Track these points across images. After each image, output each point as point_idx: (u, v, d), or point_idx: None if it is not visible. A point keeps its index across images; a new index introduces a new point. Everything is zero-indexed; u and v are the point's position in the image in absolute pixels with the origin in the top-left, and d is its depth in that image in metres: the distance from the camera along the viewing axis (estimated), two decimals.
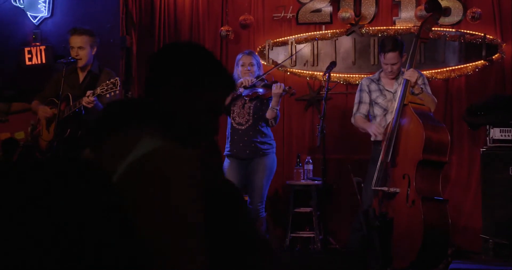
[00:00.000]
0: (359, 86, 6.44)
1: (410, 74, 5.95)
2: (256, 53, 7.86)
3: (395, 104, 6.03)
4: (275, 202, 7.82)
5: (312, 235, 7.43)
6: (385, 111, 6.25)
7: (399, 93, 5.99)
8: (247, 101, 6.45)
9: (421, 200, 5.69)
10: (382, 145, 6.00)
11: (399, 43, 6.24)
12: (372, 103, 6.31)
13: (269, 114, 6.34)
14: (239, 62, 6.55)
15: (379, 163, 5.89)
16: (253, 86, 6.36)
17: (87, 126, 2.36)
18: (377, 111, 6.29)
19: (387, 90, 6.23)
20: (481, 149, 6.75)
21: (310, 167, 7.56)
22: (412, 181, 5.79)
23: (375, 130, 6.07)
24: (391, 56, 6.14)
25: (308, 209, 7.48)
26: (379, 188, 5.84)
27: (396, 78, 6.25)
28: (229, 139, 6.51)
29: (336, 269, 5.10)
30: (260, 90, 6.36)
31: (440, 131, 5.90)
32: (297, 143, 8.03)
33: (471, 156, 7.52)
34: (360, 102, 6.35)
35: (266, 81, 6.42)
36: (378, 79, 6.32)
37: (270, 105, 6.32)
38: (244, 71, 6.46)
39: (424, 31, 6.07)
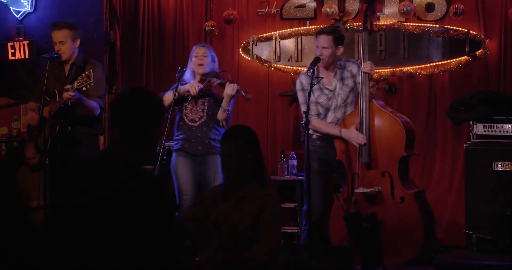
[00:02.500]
0: (299, 85, 6.08)
1: (369, 67, 5.91)
2: (240, 49, 7.88)
3: (335, 102, 6.02)
4: None
5: (297, 231, 7.44)
6: (326, 110, 6.06)
7: (358, 90, 5.93)
8: (200, 96, 6.19)
9: (413, 196, 5.80)
10: (335, 143, 5.97)
11: (338, 32, 6.14)
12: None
13: (220, 115, 6.12)
14: (193, 53, 6.29)
15: (358, 165, 5.88)
16: (209, 85, 6.16)
17: None
18: (318, 110, 6.03)
19: (326, 88, 6.06)
20: (465, 145, 6.77)
21: (295, 162, 7.56)
22: (395, 178, 5.80)
23: (357, 138, 5.80)
24: (323, 38, 5.96)
25: (292, 205, 7.49)
26: (361, 191, 5.84)
27: (335, 74, 6.10)
28: (180, 134, 6.23)
29: (321, 265, 5.10)
30: (214, 89, 6.17)
31: (410, 124, 5.99)
32: (281, 138, 8.03)
33: (454, 151, 7.55)
34: (307, 103, 5.88)
35: (222, 79, 6.22)
36: (317, 77, 6.00)
37: (221, 106, 6.10)
38: (197, 61, 6.20)
39: (369, 22, 6.10)
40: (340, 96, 6.03)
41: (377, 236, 5.68)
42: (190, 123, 6.19)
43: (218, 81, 6.18)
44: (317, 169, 5.90)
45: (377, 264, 5.68)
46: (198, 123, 6.18)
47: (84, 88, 5.70)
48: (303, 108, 5.99)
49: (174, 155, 6.30)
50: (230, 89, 6.03)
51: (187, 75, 6.27)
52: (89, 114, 5.99)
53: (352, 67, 6.09)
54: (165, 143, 6.36)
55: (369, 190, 5.81)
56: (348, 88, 6.04)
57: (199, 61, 6.21)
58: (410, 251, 5.79)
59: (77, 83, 5.68)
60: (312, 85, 5.70)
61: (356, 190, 5.83)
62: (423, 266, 5.98)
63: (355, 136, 5.83)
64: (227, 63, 8.18)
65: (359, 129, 5.84)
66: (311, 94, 5.79)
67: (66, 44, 6.04)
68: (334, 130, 5.97)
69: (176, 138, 6.30)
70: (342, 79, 6.04)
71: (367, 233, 5.63)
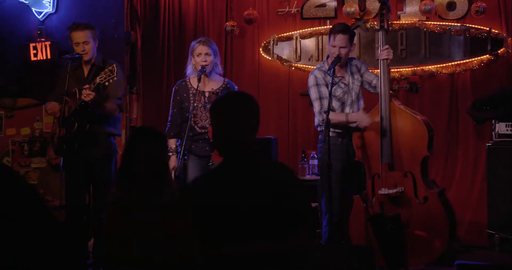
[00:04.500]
0: (313, 80, 6.03)
1: (388, 51, 5.96)
2: (260, 49, 7.86)
3: (350, 97, 6.01)
4: None
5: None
6: (343, 104, 6.04)
7: (379, 77, 5.95)
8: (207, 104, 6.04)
9: (437, 195, 5.84)
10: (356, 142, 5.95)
11: (351, 30, 6.13)
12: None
13: None
14: (195, 51, 6.15)
15: (381, 166, 5.86)
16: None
17: None
18: (334, 104, 5.95)
19: (342, 82, 6.05)
20: (487, 144, 6.74)
21: (315, 162, 7.53)
22: (418, 179, 5.81)
23: (366, 119, 5.84)
24: (341, 38, 5.92)
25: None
26: (384, 192, 5.83)
27: (346, 69, 6.10)
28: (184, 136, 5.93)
29: (342, 264, 5.09)
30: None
31: (430, 124, 6.00)
32: (302, 138, 8.02)
33: (476, 151, 7.51)
34: (321, 98, 5.94)
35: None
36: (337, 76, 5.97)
37: None
38: (200, 62, 6.07)
39: (386, 21, 6.08)
40: (354, 91, 6.06)
41: (401, 237, 5.68)
42: (199, 130, 6.09)
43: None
44: (337, 169, 5.86)
45: (401, 265, 5.67)
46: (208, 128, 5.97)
47: (106, 83, 5.73)
48: (316, 105, 5.98)
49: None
50: None
51: (189, 70, 6.21)
52: (109, 115, 6.02)
53: (356, 62, 6.18)
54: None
55: (392, 191, 5.80)
56: (358, 82, 6.10)
57: (203, 62, 6.07)
58: (435, 251, 5.83)
59: (100, 78, 5.71)
60: (332, 84, 5.69)
61: (379, 191, 5.82)
62: (444, 266, 5.96)
63: (364, 119, 5.85)
64: (247, 62, 8.19)
65: (381, 129, 5.84)
66: (326, 88, 5.82)
67: (89, 44, 6.08)
68: (352, 117, 5.94)
69: (179, 140, 6.15)
70: (352, 73, 6.10)
71: (392, 234, 5.62)
